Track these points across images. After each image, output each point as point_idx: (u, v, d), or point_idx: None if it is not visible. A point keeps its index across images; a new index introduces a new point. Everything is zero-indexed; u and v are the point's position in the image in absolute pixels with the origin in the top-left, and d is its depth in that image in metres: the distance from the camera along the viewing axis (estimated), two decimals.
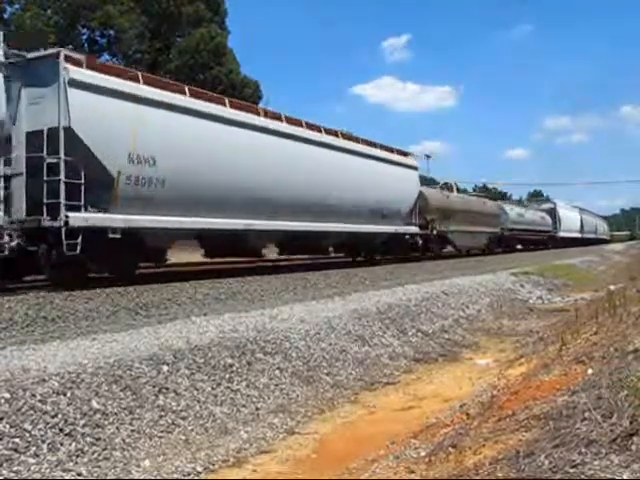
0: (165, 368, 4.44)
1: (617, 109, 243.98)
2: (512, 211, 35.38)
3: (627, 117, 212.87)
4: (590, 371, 3.52)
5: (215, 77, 31.44)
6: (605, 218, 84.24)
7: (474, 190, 65.92)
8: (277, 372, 5.16)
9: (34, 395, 3.54)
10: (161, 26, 31.97)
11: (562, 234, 44.53)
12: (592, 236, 58.46)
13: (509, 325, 9.37)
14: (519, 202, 55.31)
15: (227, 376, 4.75)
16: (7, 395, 3.45)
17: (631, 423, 2.24)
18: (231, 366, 4.89)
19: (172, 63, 31.39)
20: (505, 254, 29.70)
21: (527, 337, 7.87)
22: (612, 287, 10.25)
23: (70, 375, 3.86)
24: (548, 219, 42.91)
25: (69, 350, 4.51)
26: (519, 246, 37.24)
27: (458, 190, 31.43)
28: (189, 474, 3.51)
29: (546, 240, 41.65)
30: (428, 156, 30.88)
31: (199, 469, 3.57)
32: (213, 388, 4.54)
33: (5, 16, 28.42)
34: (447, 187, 28.36)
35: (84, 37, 30.87)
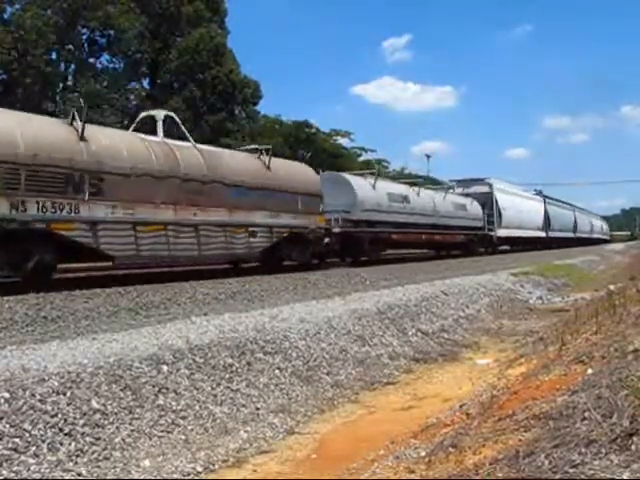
0: (165, 368, 4.44)
1: (617, 109, 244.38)
2: (374, 191, 19.23)
3: (627, 117, 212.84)
4: (590, 371, 3.52)
5: (215, 77, 31.46)
6: (605, 218, 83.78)
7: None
8: (277, 372, 5.16)
9: (34, 395, 3.54)
10: (161, 26, 31.99)
11: (504, 232, 30.23)
12: (567, 235, 45.21)
13: (509, 325, 9.37)
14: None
15: (227, 376, 4.75)
16: (7, 395, 3.45)
17: (631, 423, 2.24)
18: (231, 366, 4.89)
19: (172, 63, 31.41)
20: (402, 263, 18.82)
21: (527, 337, 7.87)
22: (612, 287, 10.25)
23: (70, 375, 3.86)
24: (477, 209, 27.67)
25: (69, 350, 4.51)
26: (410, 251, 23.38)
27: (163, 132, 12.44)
28: (189, 474, 3.51)
29: (471, 242, 26.50)
30: (428, 156, 30.04)
31: (199, 469, 3.57)
32: (213, 388, 4.54)
33: (5, 16, 28.43)
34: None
35: (84, 37, 30.90)
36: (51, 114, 21.03)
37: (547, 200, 41.50)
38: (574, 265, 20.71)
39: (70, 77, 30.61)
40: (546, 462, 2.18)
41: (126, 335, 5.18)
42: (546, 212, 39.70)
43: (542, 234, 38.33)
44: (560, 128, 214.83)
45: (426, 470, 2.92)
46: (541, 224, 38.42)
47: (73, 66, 30.61)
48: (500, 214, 30.39)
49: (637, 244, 56.85)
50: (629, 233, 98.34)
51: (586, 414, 2.49)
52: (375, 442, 3.88)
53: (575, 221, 49.78)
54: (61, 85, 30.14)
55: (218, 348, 5.03)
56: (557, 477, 2.05)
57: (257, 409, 4.55)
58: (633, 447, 2.08)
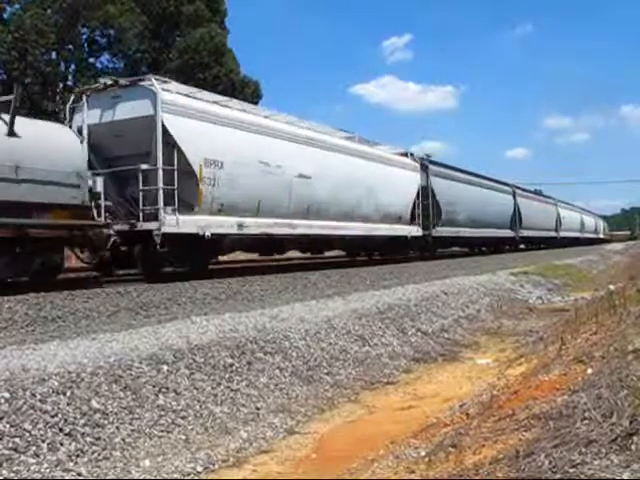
0: (165, 368, 4.44)
1: (617, 109, 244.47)
2: None
3: (627, 117, 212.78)
4: (590, 371, 3.52)
5: (215, 77, 31.45)
6: (605, 218, 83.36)
7: None
8: (277, 372, 5.17)
9: (34, 395, 3.55)
10: (161, 26, 31.96)
11: (215, 231, 10.98)
12: (497, 233, 28.27)
13: (509, 325, 9.37)
14: None
15: (227, 376, 4.75)
16: (7, 395, 3.45)
17: (631, 423, 2.24)
18: (231, 366, 4.90)
19: (172, 63, 31.39)
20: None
21: (527, 337, 7.87)
22: (612, 287, 10.25)
23: (70, 375, 3.86)
24: (56, 155, 8.57)
25: (69, 350, 4.51)
26: None
27: None
28: (189, 474, 3.51)
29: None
30: (428, 155, 28.39)
31: (199, 469, 3.57)
32: (213, 388, 4.54)
33: (5, 16, 28.41)
34: None
35: (84, 37, 30.88)
36: (51, 114, 21.00)
37: (432, 170, 21.35)
38: (574, 265, 20.71)
39: (70, 77, 30.59)
40: (546, 462, 2.18)
41: (126, 335, 5.17)
42: (429, 192, 20.56)
43: (412, 231, 18.91)
44: (560, 128, 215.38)
45: (426, 470, 2.92)
46: (408, 213, 19.00)
47: (73, 66, 30.59)
48: (194, 177, 10.82)
49: (637, 244, 56.52)
50: (629, 232, 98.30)
51: (586, 414, 2.49)
52: (375, 442, 3.88)
53: (517, 212, 31.52)
54: (61, 85, 30.11)
55: (218, 348, 5.03)
56: (557, 477, 2.05)
57: (257, 409, 4.55)
58: (633, 447, 2.08)
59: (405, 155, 20.34)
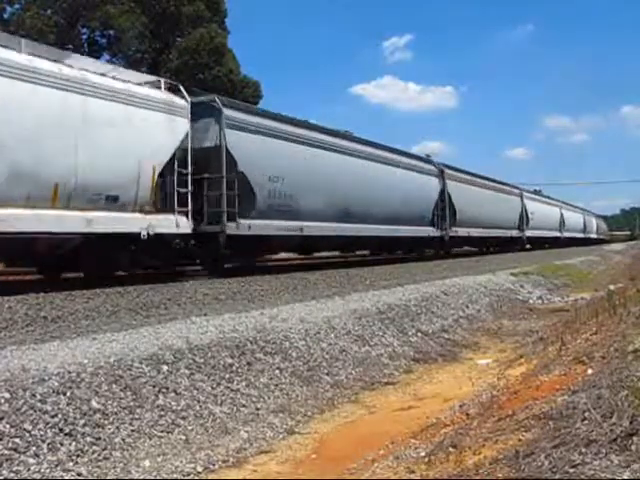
0: (165, 368, 4.44)
1: (617, 109, 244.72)
2: None
3: (627, 117, 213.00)
4: (590, 371, 3.52)
5: (215, 77, 31.43)
6: (605, 218, 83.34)
7: None
8: (277, 372, 5.16)
9: (34, 395, 3.55)
10: (161, 26, 31.96)
11: None
12: (388, 233, 17.32)
13: (509, 325, 9.37)
14: None
15: (227, 376, 4.75)
16: (7, 395, 3.45)
17: (631, 423, 2.24)
18: (231, 366, 4.90)
19: (172, 63, 31.38)
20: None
21: (527, 337, 7.87)
22: (612, 287, 10.25)
23: (70, 375, 3.86)
24: None
25: (69, 350, 4.51)
26: None
27: None
28: (189, 474, 3.51)
29: None
30: (428, 155, 27.78)
31: (199, 469, 3.57)
32: (213, 388, 4.54)
33: (5, 16, 28.41)
34: None
35: (84, 37, 30.90)
36: None
37: (229, 117, 11.43)
38: (574, 265, 20.70)
39: None
40: (546, 462, 2.18)
41: (126, 335, 5.17)
42: (222, 156, 11.26)
43: (160, 225, 9.95)
44: (560, 128, 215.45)
45: (426, 470, 2.92)
46: (145, 193, 9.70)
47: None
48: None
49: (637, 244, 56.49)
50: (629, 233, 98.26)
51: (586, 414, 2.49)
52: (375, 442, 3.88)
53: (446, 202, 21.93)
54: None
55: (218, 348, 5.03)
56: (557, 477, 2.05)
57: (257, 409, 4.55)
58: (633, 447, 2.08)
59: (156, 86, 10.53)
